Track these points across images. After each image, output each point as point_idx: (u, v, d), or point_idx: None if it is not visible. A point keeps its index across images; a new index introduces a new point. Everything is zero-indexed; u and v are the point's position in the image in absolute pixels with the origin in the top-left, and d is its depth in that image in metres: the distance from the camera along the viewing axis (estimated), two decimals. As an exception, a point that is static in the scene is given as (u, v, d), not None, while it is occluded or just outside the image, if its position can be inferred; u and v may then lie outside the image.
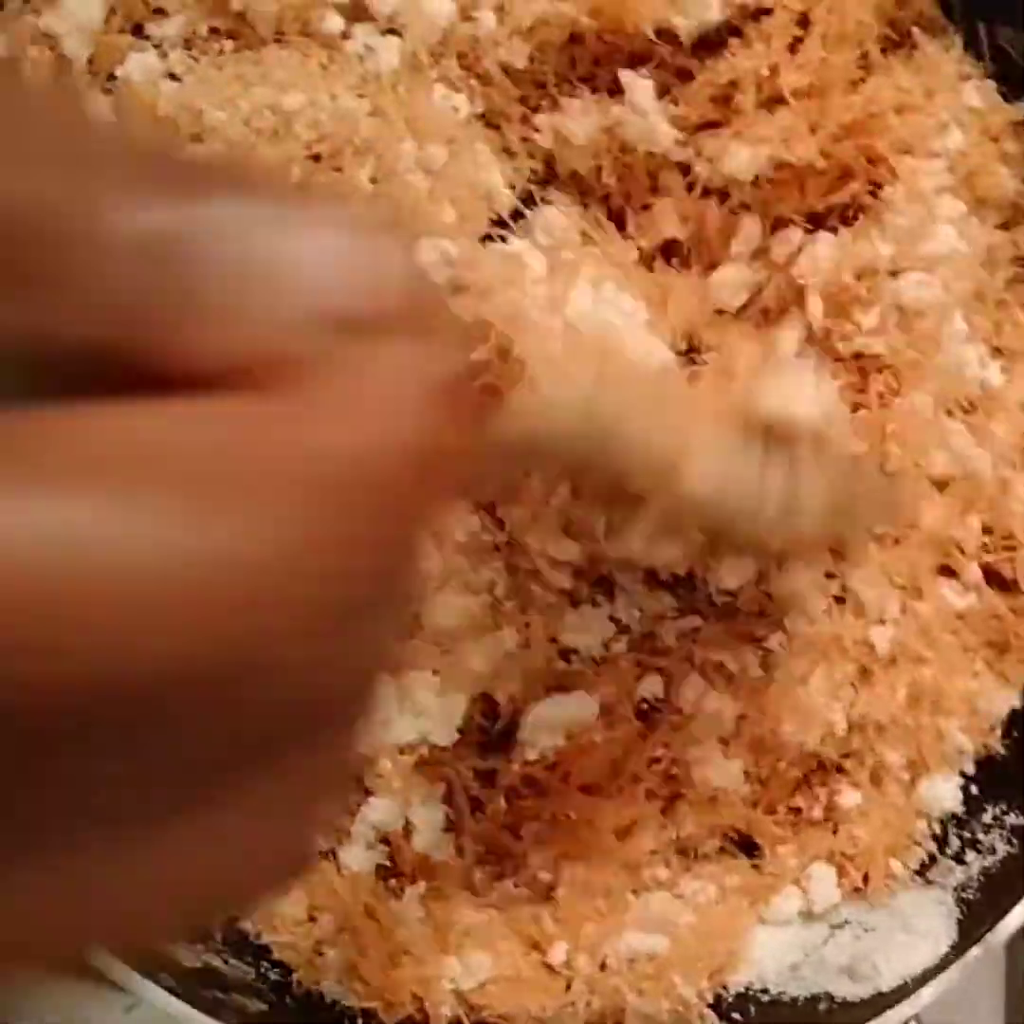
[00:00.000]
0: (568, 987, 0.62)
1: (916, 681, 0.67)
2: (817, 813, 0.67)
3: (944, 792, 0.68)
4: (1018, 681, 0.69)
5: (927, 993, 0.61)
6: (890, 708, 0.67)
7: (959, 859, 0.67)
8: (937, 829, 0.68)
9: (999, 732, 0.69)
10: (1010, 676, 0.69)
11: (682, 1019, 0.62)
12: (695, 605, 0.66)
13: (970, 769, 0.69)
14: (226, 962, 0.61)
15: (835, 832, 0.67)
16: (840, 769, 0.68)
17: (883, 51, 0.69)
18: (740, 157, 0.65)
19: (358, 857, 0.64)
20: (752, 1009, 0.64)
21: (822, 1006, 0.63)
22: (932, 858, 0.67)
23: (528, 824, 0.64)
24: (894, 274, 0.66)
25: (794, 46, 0.67)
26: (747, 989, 0.65)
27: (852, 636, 0.66)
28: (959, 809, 0.68)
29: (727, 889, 0.66)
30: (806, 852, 0.67)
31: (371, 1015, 0.62)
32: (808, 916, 0.67)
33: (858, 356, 0.66)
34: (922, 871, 0.67)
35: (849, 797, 0.67)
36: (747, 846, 0.68)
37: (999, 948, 0.62)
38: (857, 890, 0.67)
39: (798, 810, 0.68)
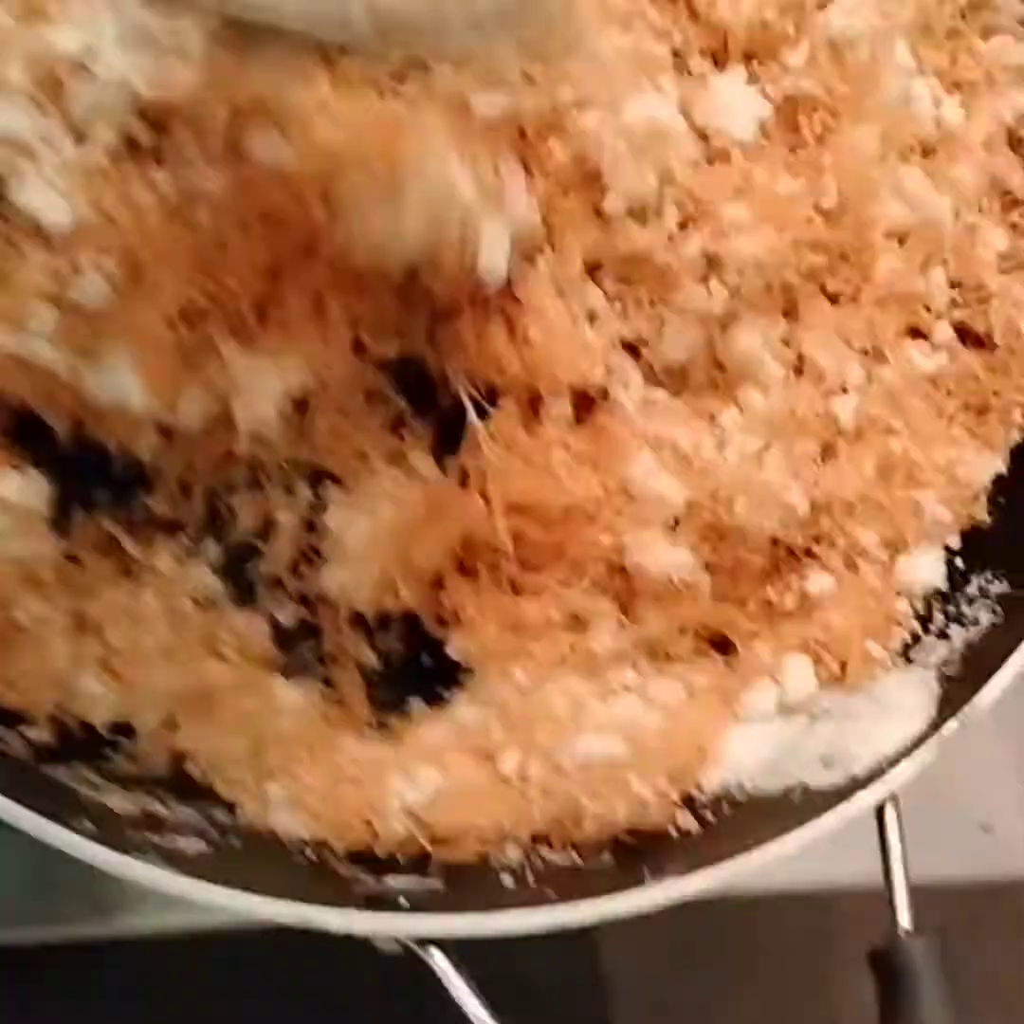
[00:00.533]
0: (521, 795, 0.59)
1: (886, 454, 0.63)
2: (790, 603, 0.63)
3: (925, 568, 0.63)
4: (1001, 444, 0.64)
5: (900, 772, 0.56)
6: (857, 485, 0.62)
7: (942, 635, 0.62)
8: (920, 607, 0.63)
9: (984, 500, 0.64)
10: (992, 440, 0.64)
11: (643, 819, 0.59)
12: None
13: (955, 543, 0.64)
14: (166, 806, 0.59)
15: (810, 620, 0.63)
16: (810, 554, 0.63)
17: None
18: None
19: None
20: (725, 807, 0.60)
21: (795, 797, 0.59)
22: (915, 637, 0.63)
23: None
24: (822, 6, 0.60)
25: None
26: (723, 788, 0.61)
27: (812, 408, 0.62)
28: (943, 585, 0.63)
29: (698, 689, 0.62)
30: (781, 644, 0.63)
31: (322, 844, 0.59)
32: (785, 709, 0.62)
33: (792, 101, 0.61)
34: (904, 652, 0.62)
35: (821, 582, 0.63)
36: (722, 646, 0.64)
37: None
38: (835, 678, 0.62)
39: (769, 602, 0.64)
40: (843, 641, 0.62)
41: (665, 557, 0.61)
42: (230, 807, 0.59)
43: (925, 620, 0.63)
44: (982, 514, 0.64)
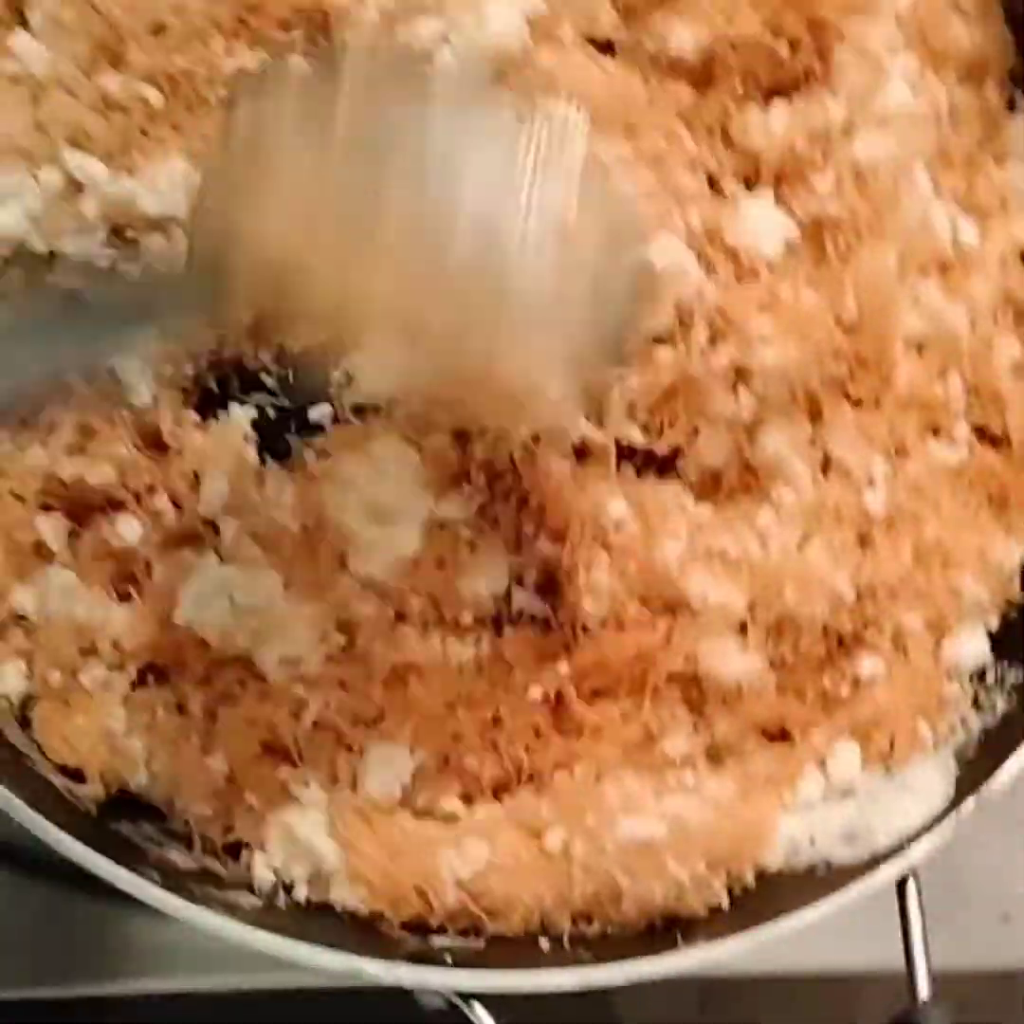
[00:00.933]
0: (564, 872, 0.62)
1: (919, 539, 0.66)
2: (845, 691, 0.66)
3: (970, 648, 0.66)
4: (1024, 532, 0.68)
5: (919, 849, 0.60)
6: (897, 570, 0.65)
7: (962, 721, 0.65)
8: (969, 688, 0.66)
9: (1017, 583, 0.67)
10: (1016, 528, 0.68)
11: (680, 901, 0.62)
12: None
13: (994, 624, 0.67)
14: (224, 866, 0.63)
15: (862, 702, 0.65)
16: (859, 640, 0.66)
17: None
18: (683, 36, 0.66)
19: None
20: (754, 883, 0.63)
21: (820, 872, 0.62)
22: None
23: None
24: (847, 135, 0.65)
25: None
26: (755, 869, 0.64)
27: (843, 501, 0.65)
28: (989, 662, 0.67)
29: (749, 783, 0.65)
30: (834, 730, 0.66)
31: (378, 915, 0.63)
32: (828, 793, 0.65)
33: (818, 222, 0.66)
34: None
35: (872, 665, 0.65)
36: (777, 735, 0.66)
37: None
38: (883, 756, 0.65)
39: (825, 692, 0.66)
40: (893, 720, 0.65)
41: (736, 662, 0.64)
42: (288, 887, 0.63)
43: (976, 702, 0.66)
44: (1016, 595, 0.67)
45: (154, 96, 0.62)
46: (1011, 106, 0.70)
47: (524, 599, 0.65)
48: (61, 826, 0.56)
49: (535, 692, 0.64)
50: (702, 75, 0.67)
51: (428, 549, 0.64)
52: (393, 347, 0.50)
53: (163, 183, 0.62)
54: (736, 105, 0.66)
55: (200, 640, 0.63)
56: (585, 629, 0.63)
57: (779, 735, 0.66)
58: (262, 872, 0.62)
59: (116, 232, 0.62)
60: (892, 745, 0.65)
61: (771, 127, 0.66)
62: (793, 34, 0.66)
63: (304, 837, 0.62)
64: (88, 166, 0.61)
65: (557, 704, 0.64)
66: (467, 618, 0.64)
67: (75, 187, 0.62)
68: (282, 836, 0.62)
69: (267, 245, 0.48)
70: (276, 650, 0.63)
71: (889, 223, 0.65)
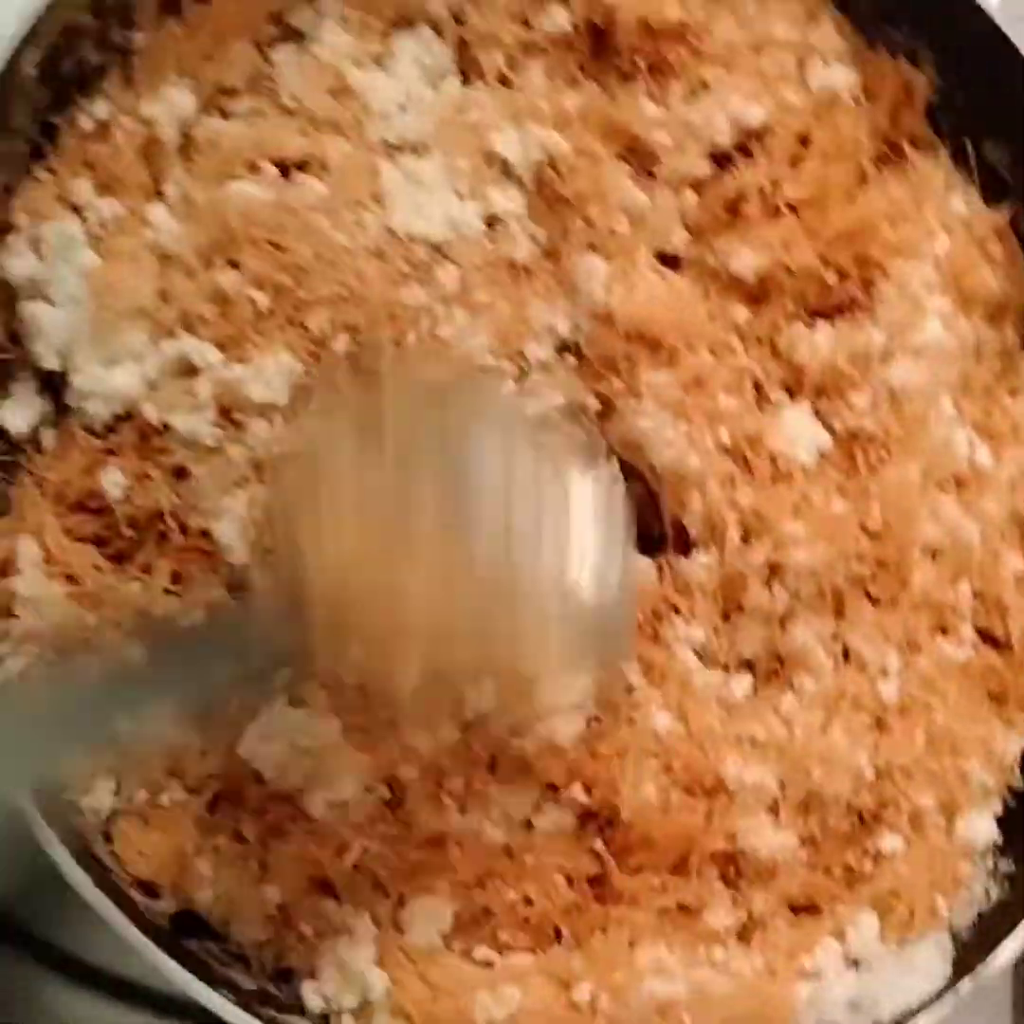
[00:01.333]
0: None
1: (930, 726, 0.72)
2: (868, 866, 0.71)
3: (981, 829, 0.72)
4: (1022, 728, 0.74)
5: (919, 1022, 0.65)
6: (911, 752, 0.71)
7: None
8: (982, 866, 0.72)
9: (1017, 772, 0.74)
10: (1016, 722, 0.74)
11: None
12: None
13: (999, 809, 0.73)
14: (279, 990, 0.67)
15: (883, 876, 0.71)
16: (879, 818, 0.71)
17: (877, 166, 0.77)
18: (744, 258, 0.73)
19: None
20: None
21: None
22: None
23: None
24: (885, 361, 0.73)
25: (794, 161, 0.74)
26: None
27: (859, 689, 0.71)
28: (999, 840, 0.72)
29: (775, 952, 0.70)
30: (857, 903, 0.71)
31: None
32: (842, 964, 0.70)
33: (852, 435, 0.73)
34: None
35: (893, 842, 0.71)
36: (802, 909, 0.72)
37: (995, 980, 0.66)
38: (903, 927, 0.70)
39: (850, 867, 0.71)
40: (912, 893, 0.71)
41: (772, 839, 0.69)
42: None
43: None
44: (1017, 782, 0.73)
45: (261, 299, 0.66)
46: (1024, 345, 0.77)
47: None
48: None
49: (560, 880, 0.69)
50: (758, 292, 0.74)
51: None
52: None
53: (270, 373, 0.65)
54: (786, 322, 0.73)
55: (257, 773, 0.67)
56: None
57: (804, 908, 0.71)
58: (312, 999, 0.66)
59: (223, 412, 0.66)
60: (912, 916, 0.70)
61: (816, 345, 0.73)
62: (842, 266, 0.73)
63: (355, 967, 0.66)
64: (204, 350, 0.65)
65: (596, 878, 0.69)
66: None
67: (191, 366, 0.66)
68: (333, 964, 0.66)
69: (335, 567, 0.54)
70: (326, 792, 0.68)
71: (916, 442, 0.72)
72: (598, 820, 0.69)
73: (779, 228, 0.73)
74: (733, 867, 0.70)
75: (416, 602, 0.54)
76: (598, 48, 0.74)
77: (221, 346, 0.66)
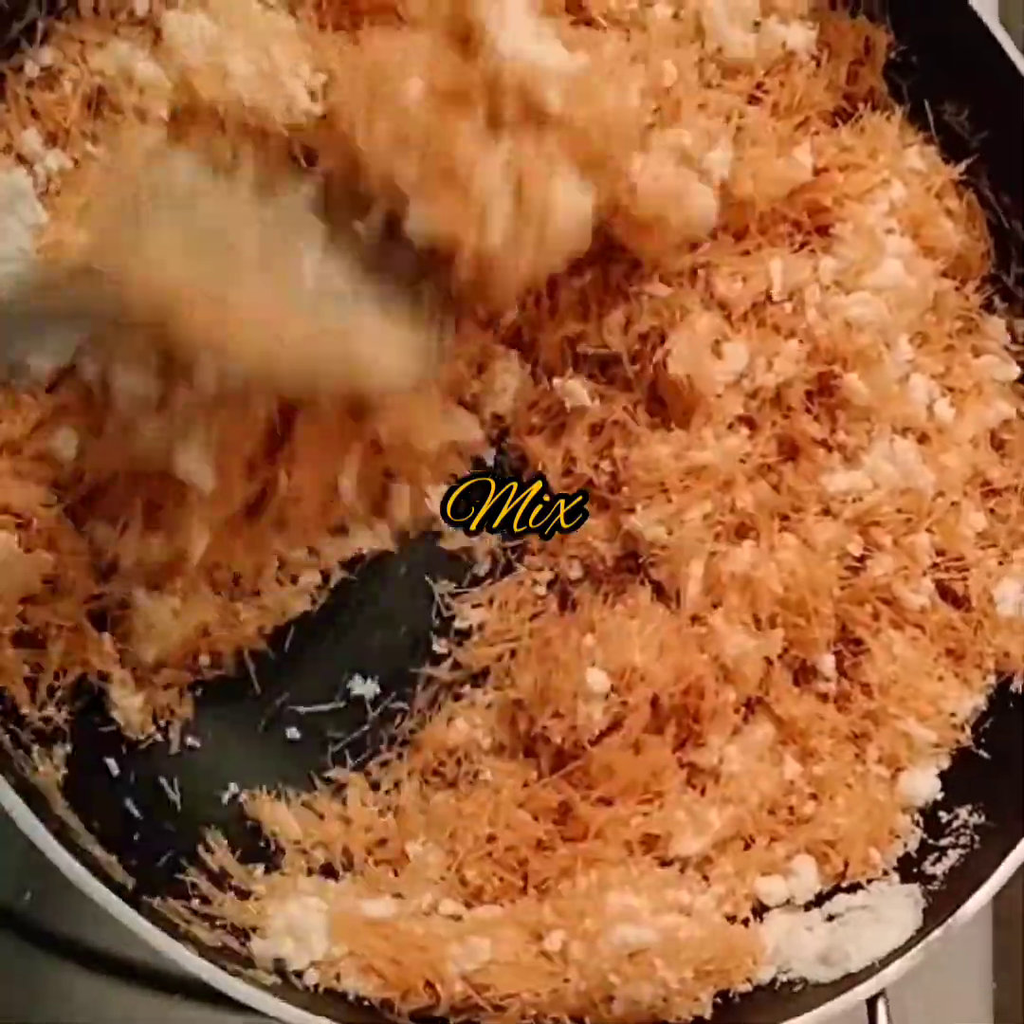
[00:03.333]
0: (560, 972, 0.67)
1: (881, 677, 0.74)
2: (808, 809, 0.74)
3: (922, 785, 0.74)
4: (979, 686, 0.75)
5: (890, 972, 0.65)
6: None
7: (930, 860, 0.72)
8: (920, 822, 0.73)
9: (968, 731, 0.75)
10: (971, 681, 0.75)
11: (666, 1011, 0.66)
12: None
13: (945, 764, 0.75)
14: (244, 946, 0.67)
15: (821, 824, 0.73)
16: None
17: (833, 122, 0.77)
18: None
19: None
20: (735, 997, 0.68)
21: (797, 989, 0.67)
22: (910, 856, 0.73)
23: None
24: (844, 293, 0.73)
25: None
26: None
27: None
28: (939, 799, 0.74)
29: (731, 888, 0.71)
30: (795, 846, 0.73)
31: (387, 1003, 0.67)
32: (792, 907, 0.72)
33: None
34: (899, 867, 0.72)
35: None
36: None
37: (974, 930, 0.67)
38: (837, 876, 0.72)
39: (791, 808, 0.74)
40: (847, 842, 0.72)
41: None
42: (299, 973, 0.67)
43: (923, 843, 0.73)
44: (968, 743, 0.74)
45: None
46: (989, 307, 0.78)
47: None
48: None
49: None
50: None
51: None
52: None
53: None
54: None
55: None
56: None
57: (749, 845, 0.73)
58: (270, 951, 0.66)
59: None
60: (846, 865, 0.72)
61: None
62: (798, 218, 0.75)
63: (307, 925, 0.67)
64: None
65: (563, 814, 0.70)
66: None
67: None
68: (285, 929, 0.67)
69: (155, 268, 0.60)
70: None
71: (872, 377, 0.73)
72: (562, 756, 0.71)
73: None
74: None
75: (243, 315, 0.60)
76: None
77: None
